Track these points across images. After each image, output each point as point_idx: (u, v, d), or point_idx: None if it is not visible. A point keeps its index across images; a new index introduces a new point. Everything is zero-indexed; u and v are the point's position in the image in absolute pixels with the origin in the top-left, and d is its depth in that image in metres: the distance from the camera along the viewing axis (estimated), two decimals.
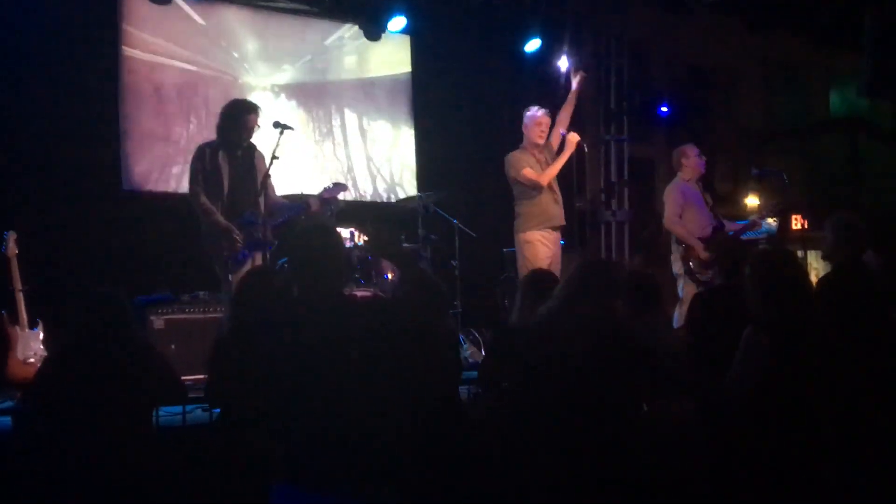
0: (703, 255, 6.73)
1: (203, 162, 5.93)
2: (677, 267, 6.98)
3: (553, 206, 6.78)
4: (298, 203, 6.12)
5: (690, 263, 6.86)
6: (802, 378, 3.51)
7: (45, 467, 3.87)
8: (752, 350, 3.62)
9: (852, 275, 4.69)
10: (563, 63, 8.87)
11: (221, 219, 5.83)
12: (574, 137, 6.74)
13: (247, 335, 3.73)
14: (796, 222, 8.72)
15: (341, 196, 6.36)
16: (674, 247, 7.07)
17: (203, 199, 5.85)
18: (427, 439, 3.75)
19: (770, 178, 8.45)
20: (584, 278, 3.90)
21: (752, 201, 10.16)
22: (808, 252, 8.19)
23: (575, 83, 7.06)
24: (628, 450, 3.50)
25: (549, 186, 6.77)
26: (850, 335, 3.86)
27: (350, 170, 9.08)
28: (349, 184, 6.62)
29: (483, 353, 7.16)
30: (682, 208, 7.04)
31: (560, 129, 6.91)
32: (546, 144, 6.92)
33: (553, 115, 6.98)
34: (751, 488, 3.49)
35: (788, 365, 3.52)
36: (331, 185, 6.29)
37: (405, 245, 7.80)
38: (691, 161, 7.25)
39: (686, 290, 6.86)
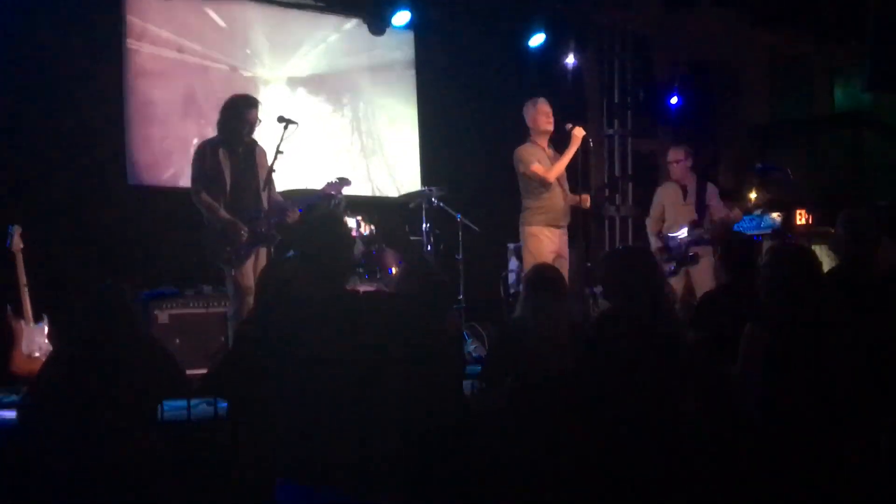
0: (654, 246, 7.28)
1: (204, 159, 5.92)
2: None
3: (560, 204, 6.78)
4: (280, 209, 6.01)
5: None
6: (804, 373, 3.51)
7: (49, 462, 3.88)
8: (752, 347, 3.61)
9: (859, 270, 4.69)
10: (570, 59, 8.88)
11: (225, 213, 5.81)
12: (579, 132, 6.72)
13: (258, 328, 3.73)
14: (800, 217, 8.69)
15: (345, 190, 6.34)
16: None
17: (205, 195, 5.84)
18: (431, 434, 3.75)
19: (774, 173, 8.47)
20: (629, 268, 3.88)
21: (756, 196, 10.16)
22: (813, 247, 8.17)
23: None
24: (661, 447, 3.49)
25: (558, 183, 6.77)
26: (855, 329, 3.85)
27: (355, 164, 9.08)
28: (354, 178, 6.59)
29: (487, 347, 7.16)
30: (659, 210, 7.53)
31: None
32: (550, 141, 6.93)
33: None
34: (757, 486, 3.48)
35: (790, 360, 3.52)
36: (334, 180, 6.27)
37: (411, 238, 7.82)
38: (671, 166, 7.55)
39: None
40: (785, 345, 3.54)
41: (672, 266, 7.15)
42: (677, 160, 7.45)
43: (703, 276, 7.04)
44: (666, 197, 7.50)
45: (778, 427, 3.49)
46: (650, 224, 7.58)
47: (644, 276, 3.87)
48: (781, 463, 3.45)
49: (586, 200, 6.86)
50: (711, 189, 7.46)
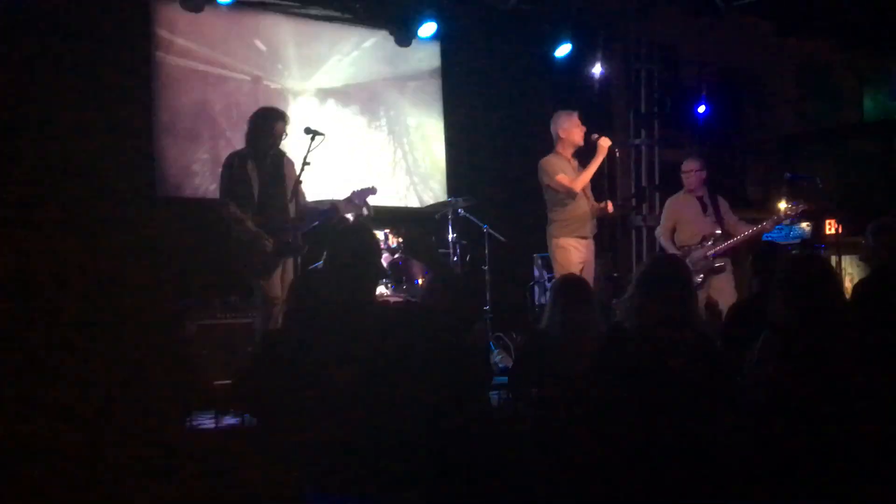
0: None
1: (232, 171, 5.98)
2: None
3: (586, 215, 6.76)
4: (328, 208, 6.14)
5: None
6: (816, 384, 3.48)
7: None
8: (767, 354, 3.59)
9: (890, 279, 4.64)
10: (597, 69, 8.86)
11: (251, 226, 5.86)
12: (605, 142, 6.70)
13: (285, 336, 3.73)
14: (830, 227, 8.63)
15: (372, 200, 6.36)
16: None
17: (232, 208, 5.89)
18: (457, 445, 3.74)
19: (803, 182, 8.42)
20: (667, 277, 3.84)
21: (784, 206, 10.10)
22: (843, 257, 8.11)
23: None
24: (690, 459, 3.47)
25: (584, 194, 6.75)
26: (886, 339, 3.81)
27: (382, 174, 9.10)
28: (381, 187, 6.60)
29: (513, 358, 7.15)
30: (672, 222, 7.44)
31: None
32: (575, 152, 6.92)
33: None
34: (765, 491, 3.46)
35: (802, 370, 3.49)
36: (360, 189, 6.31)
37: (440, 251, 7.82)
38: (687, 176, 7.47)
39: None
40: (797, 353, 3.52)
41: (700, 277, 7.09)
42: (692, 170, 7.40)
43: (724, 286, 7.00)
44: (682, 210, 7.43)
45: (789, 430, 3.46)
46: (664, 235, 7.50)
47: (681, 285, 3.85)
48: (796, 471, 3.43)
49: (609, 206, 6.81)
50: (723, 201, 7.42)
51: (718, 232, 7.17)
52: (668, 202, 7.66)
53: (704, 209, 7.31)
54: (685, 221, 7.37)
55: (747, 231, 7.13)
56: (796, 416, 3.45)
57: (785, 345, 3.52)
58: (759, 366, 3.60)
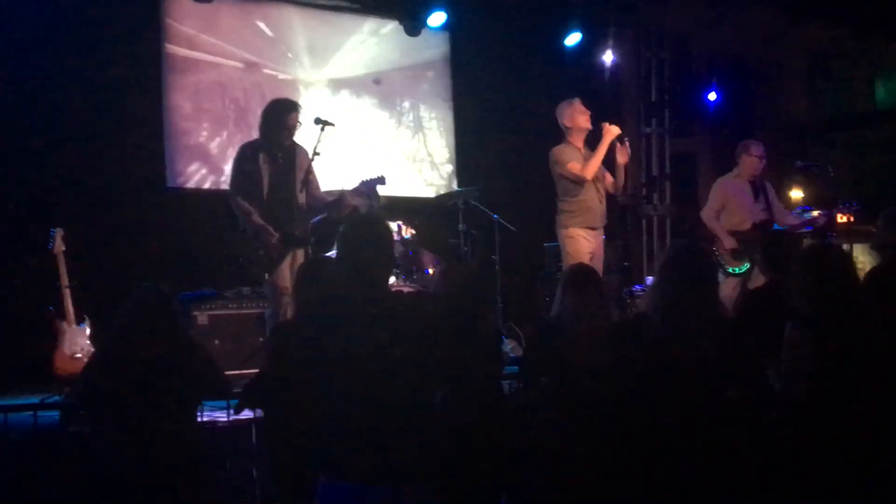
0: (729, 246, 7.02)
1: (243, 163, 5.95)
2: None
3: (596, 205, 6.72)
4: (336, 199, 6.11)
5: (718, 255, 7.04)
6: (848, 372, 3.47)
7: (91, 461, 3.92)
8: (798, 345, 3.57)
9: None
10: (607, 58, 8.80)
11: (258, 219, 5.83)
12: (615, 129, 6.66)
13: (298, 327, 3.73)
14: (842, 216, 8.59)
15: (382, 190, 6.33)
16: None
17: (240, 200, 5.86)
18: (470, 433, 3.75)
19: (814, 170, 8.38)
20: (693, 268, 3.81)
21: (796, 194, 10.05)
22: (854, 245, 8.07)
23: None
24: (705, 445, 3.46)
25: (594, 184, 6.71)
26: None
27: (393, 164, 9.10)
28: (390, 177, 6.58)
29: (523, 347, 7.14)
30: (721, 204, 7.26)
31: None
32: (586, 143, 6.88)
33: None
34: (798, 482, 3.45)
35: (833, 359, 3.48)
36: (368, 179, 6.29)
37: (450, 241, 7.82)
38: (753, 161, 7.27)
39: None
40: (827, 342, 3.50)
41: (746, 265, 6.99)
42: (760, 156, 7.24)
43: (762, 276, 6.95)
44: (734, 194, 7.27)
45: (822, 425, 3.45)
46: (711, 216, 7.27)
47: (703, 273, 3.83)
48: (824, 461, 3.42)
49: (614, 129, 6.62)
50: (771, 189, 7.35)
51: (768, 219, 7.10)
52: (718, 183, 7.44)
53: (756, 196, 7.23)
54: (735, 206, 7.23)
55: (796, 222, 7.10)
56: (838, 411, 3.44)
57: (817, 338, 3.51)
58: (795, 360, 3.58)
